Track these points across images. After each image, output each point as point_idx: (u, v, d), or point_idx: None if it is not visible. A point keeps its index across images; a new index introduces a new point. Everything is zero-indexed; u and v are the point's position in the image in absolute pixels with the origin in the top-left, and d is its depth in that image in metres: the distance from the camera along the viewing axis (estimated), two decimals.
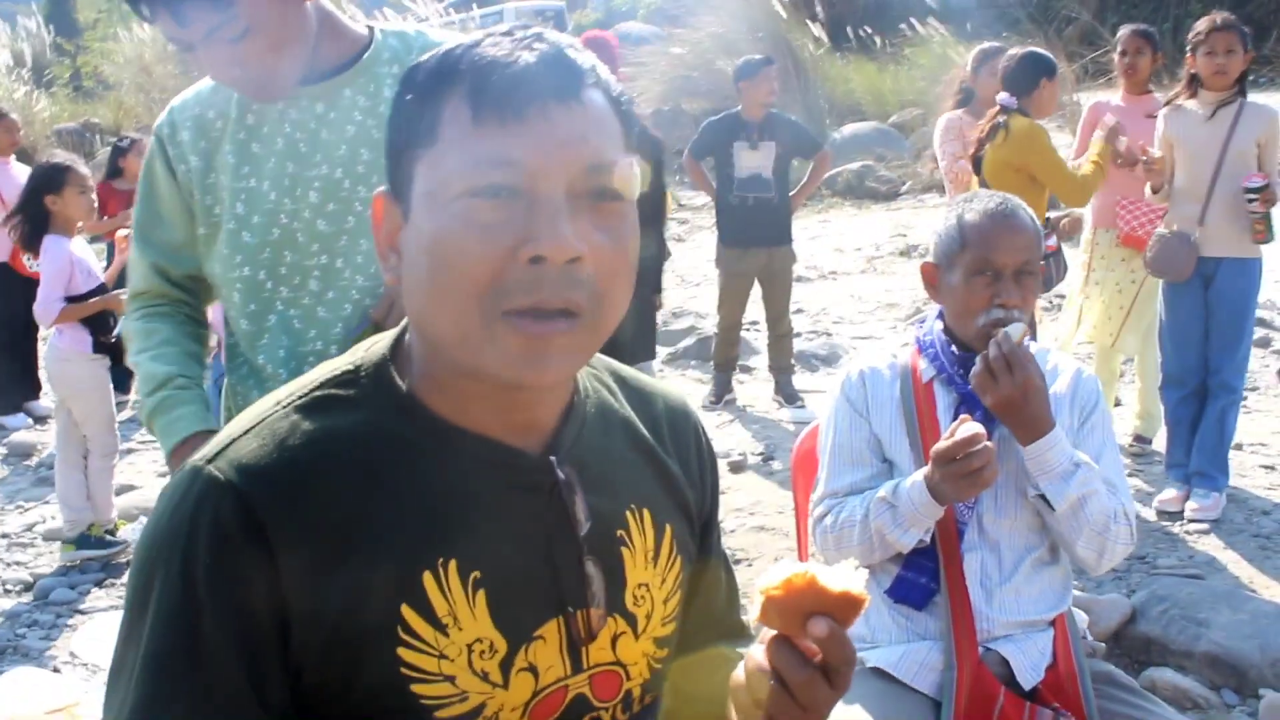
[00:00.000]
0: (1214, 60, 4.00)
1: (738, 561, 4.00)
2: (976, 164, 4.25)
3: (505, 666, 0.92)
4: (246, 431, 0.91)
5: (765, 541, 4.14)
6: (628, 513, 1.02)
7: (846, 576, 0.87)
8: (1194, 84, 4.10)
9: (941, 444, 1.75)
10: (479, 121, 0.85)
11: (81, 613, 3.86)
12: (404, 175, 0.90)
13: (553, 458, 0.96)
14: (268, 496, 0.86)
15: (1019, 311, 1.90)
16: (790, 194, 5.71)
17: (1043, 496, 1.83)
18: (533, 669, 0.94)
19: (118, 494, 4.60)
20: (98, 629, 3.59)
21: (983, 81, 4.76)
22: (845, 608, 0.86)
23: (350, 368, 0.95)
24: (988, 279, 1.90)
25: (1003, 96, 4.19)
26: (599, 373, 1.09)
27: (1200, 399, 4.19)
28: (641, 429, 1.08)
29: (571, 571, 0.96)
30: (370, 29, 1.69)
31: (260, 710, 0.86)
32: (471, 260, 0.85)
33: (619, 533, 1.00)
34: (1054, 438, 1.81)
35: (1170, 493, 4.19)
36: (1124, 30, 4.76)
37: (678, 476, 1.09)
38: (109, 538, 4.26)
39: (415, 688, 0.88)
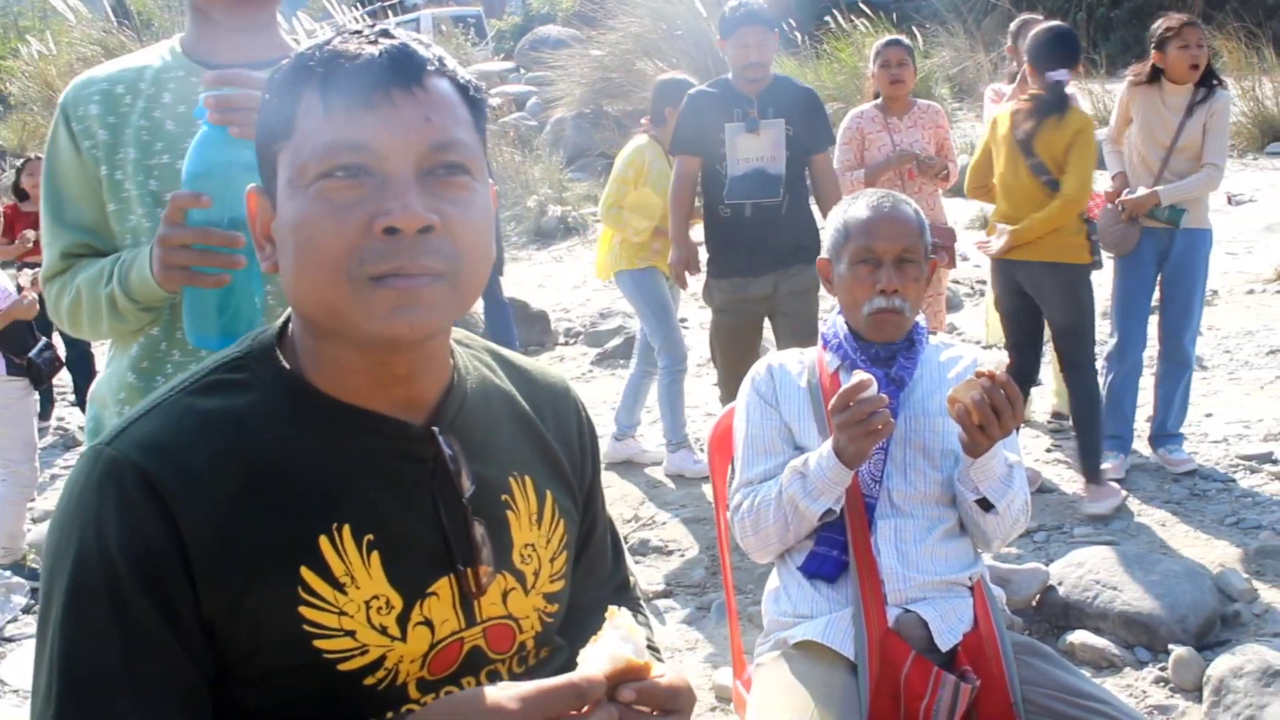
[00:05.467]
0: (1188, 53, 4.10)
1: (669, 553, 4.05)
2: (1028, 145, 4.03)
3: (402, 621, 0.99)
4: (143, 415, 0.97)
5: (697, 532, 4.20)
6: (510, 479, 1.10)
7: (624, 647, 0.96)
8: (1156, 76, 4.21)
9: (834, 397, 1.83)
10: (329, 110, 0.93)
11: (9, 640, 3.80)
12: (270, 170, 0.98)
13: (435, 429, 1.03)
14: (166, 472, 0.92)
15: (899, 299, 1.98)
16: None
17: (978, 502, 1.90)
18: (429, 623, 1.01)
19: (39, 520, 4.52)
20: (27, 655, 3.54)
21: (875, 73, 4.83)
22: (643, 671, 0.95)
23: (240, 354, 1.02)
24: (870, 267, 2.00)
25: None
26: (478, 353, 1.16)
27: (1138, 372, 4.33)
28: (522, 403, 1.16)
29: (459, 532, 1.03)
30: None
31: (189, 663, 0.92)
32: (329, 236, 0.92)
33: (503, 497, 1.09)
34: (997, 447, 1.86)
35: (1104, 464, 4.28)
36: (1017, 20, 4.95)
37: (556, 450, 1.17)
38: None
39: (318, 643, 0.95)
